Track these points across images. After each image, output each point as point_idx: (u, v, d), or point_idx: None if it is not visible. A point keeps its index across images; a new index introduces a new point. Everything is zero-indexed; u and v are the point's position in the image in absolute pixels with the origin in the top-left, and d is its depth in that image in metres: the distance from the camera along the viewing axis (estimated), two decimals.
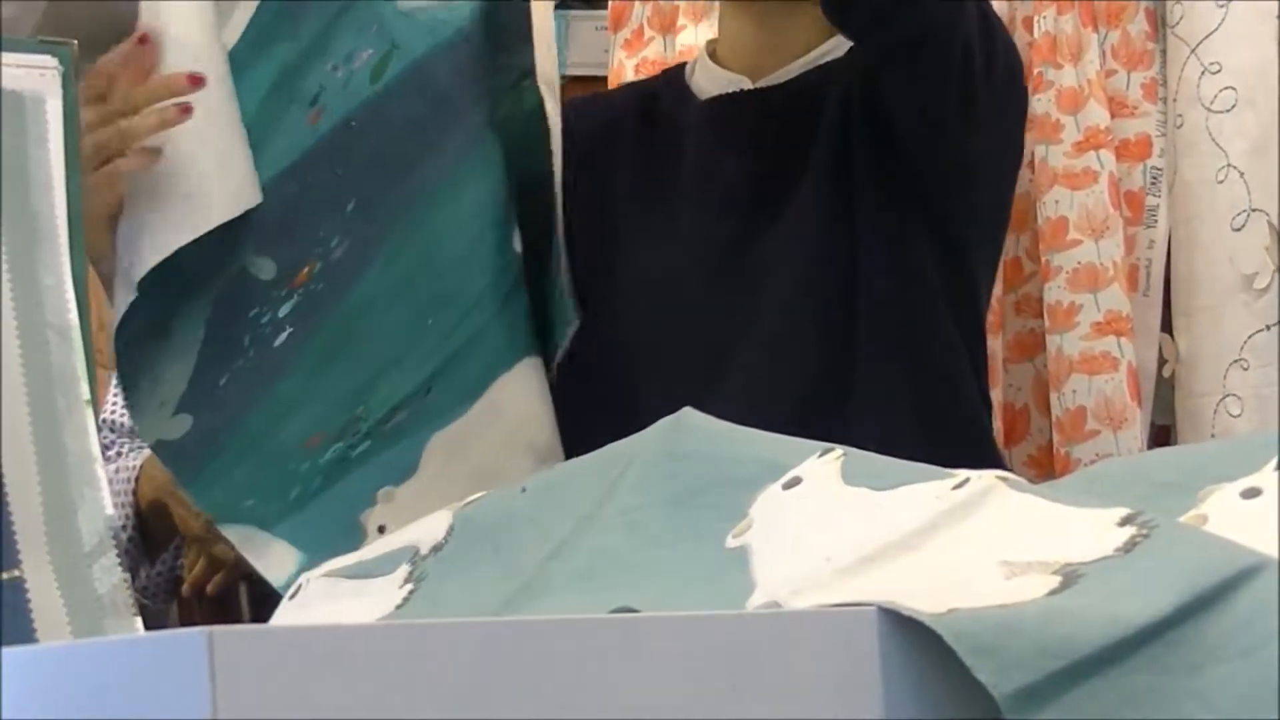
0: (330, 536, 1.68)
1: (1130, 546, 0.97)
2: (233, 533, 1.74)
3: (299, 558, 1.71)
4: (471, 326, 1.75)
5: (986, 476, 1.07)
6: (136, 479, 2.20)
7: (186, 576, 2.21)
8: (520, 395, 1.78)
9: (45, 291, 1.46)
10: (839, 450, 1.16)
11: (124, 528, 2.20)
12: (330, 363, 1.74)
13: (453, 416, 1.76)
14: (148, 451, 2.23)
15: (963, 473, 1.09)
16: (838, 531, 1.06)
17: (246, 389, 1.72)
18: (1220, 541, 0.98)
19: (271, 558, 1.72)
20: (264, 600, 2.09)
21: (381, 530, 1.70)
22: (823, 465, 1.15)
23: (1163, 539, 0.97)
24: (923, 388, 1.75)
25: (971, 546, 1.01)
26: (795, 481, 1.14)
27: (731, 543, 1.12)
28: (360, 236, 1.72)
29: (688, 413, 1.28)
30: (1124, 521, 0.99)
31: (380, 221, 1.73)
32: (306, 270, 1.72)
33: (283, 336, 1.72)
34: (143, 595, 2.25)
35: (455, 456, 1.76)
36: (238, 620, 2.20)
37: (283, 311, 1.72)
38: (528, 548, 1.22)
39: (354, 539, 1.67)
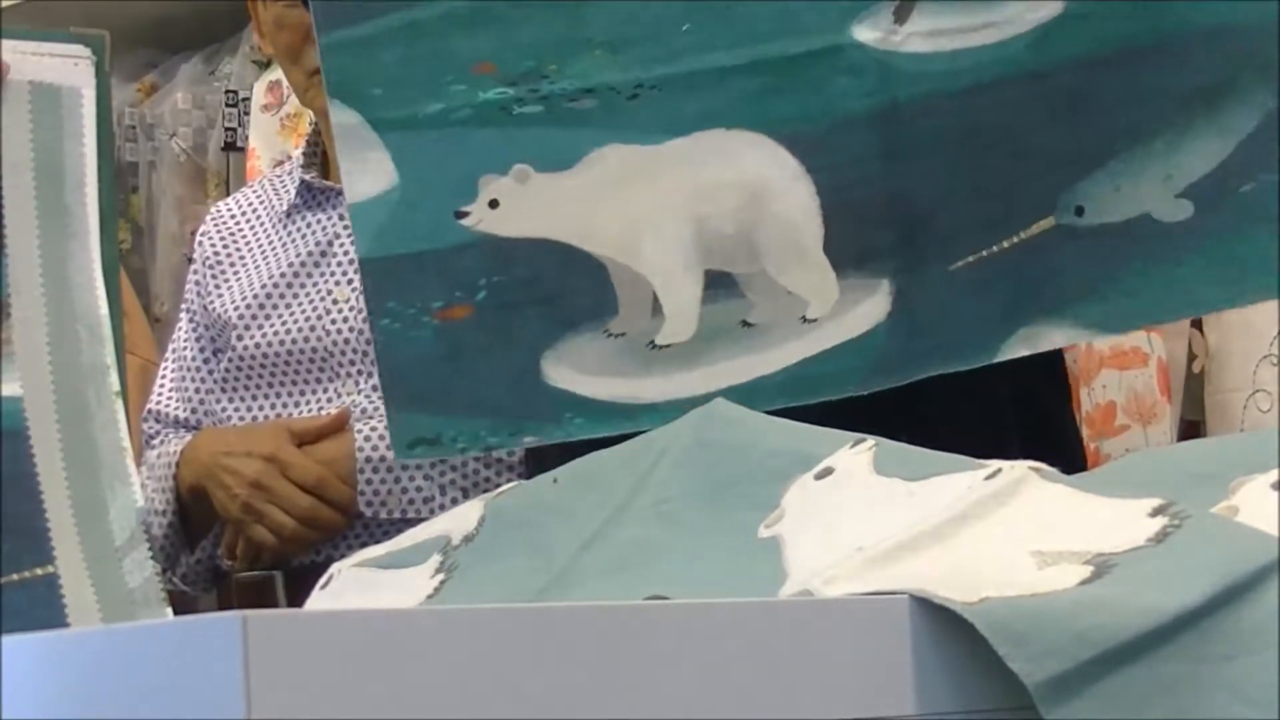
0: (437, 180, 1.55)
1: (1162, 537, 0.97)
2: (338, 114, 1.55)
3: (390, 179, 1.55)
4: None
5: (1019, 467, 1.07)
6: (177, 464, 2.21)
7: (225, 560, 2.21)
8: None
9: (75, 285, 1.46)
10: (870, 441, 1.16)
11: (164, 513, 2.21)
12: None
13: (647, 140, 1.56)
14: (189, 437, 2.24)
15: (995, 463, 1.09)
16: (870, 521, 1.07)
17: None
18: (1252, 532, 0.98)
19: (363, 164, 1.55)
20: (301, 593, 2.10)
21: (494, 205, 1.55)
22: (854, 456, 1.15)
23: (1194, 530, 0.97)
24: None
25: (1004, 536, 1.01)
26: (827, 472, 1.15)
27: (764, 533, 1.13)
28: None
29: (719, 403, 1.28)
30: (1155, 512, 0.99)
31: None
32: None
33: None
34: (183, 582, 2.25)
35: (619, 178, 1.56)
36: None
37: None
38: (560, 538, 1.22)
39: (459, 196, 1.55)
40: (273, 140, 3.26)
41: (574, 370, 1.55)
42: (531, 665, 0.82)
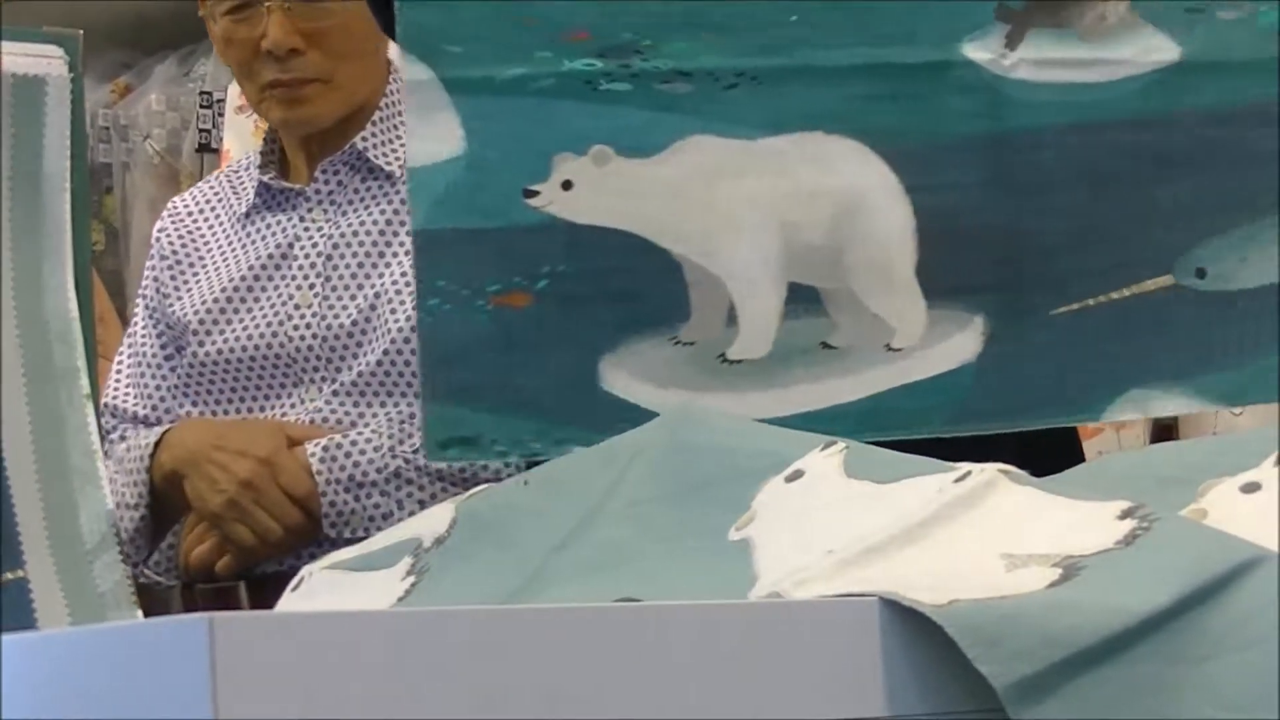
0: (508, 152, 1.46)
1: (1131, 539, 0.97)
2: (410, 69, 1.45)
3: (458, 145, 1.45)
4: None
5: (988, 470, 1.08)
6: (152, 454, 2.20)
7: (184, 555, 2.20)
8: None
9: (49, 287, 1.46)
10: (841, 443, 1.16)
11: (135, 506, 2.20)
12: None
13: (740, 134, 1.48)
14: (160, 429, 2.23)
15: (964, 466, 1.09)
16: (840, 524, 1.07)
17: None
18: (1220, 535, 0.98)
19: (429, 125, 1.45)
20: (263, 603, 2.09)
21: (567, 187, 1.45)
22: (825, 458, 1.15)
23: (1163, 532, 0.97)
24: None
25: (973, 539, 1.01)
26: (798, 474, 1.15)
27: (735, 535, 1.13)
28: None
29: (692, 405, 1.28)
30: (1124, 515, 1.00)
31: None
32: None
33: None
34: (155, 571, 2.24)
35: (707, 172, 1.47)
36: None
37: None
38: (532, 540, 1.22)
39: (531, 173, 1.45)
40: (247, 142, 3.25)
41: (635, 378, 1.47)
42: (501, 667, 0.82)
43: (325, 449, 2.11)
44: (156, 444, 2.19)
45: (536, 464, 1.37)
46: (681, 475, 1.19)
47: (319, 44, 2.21)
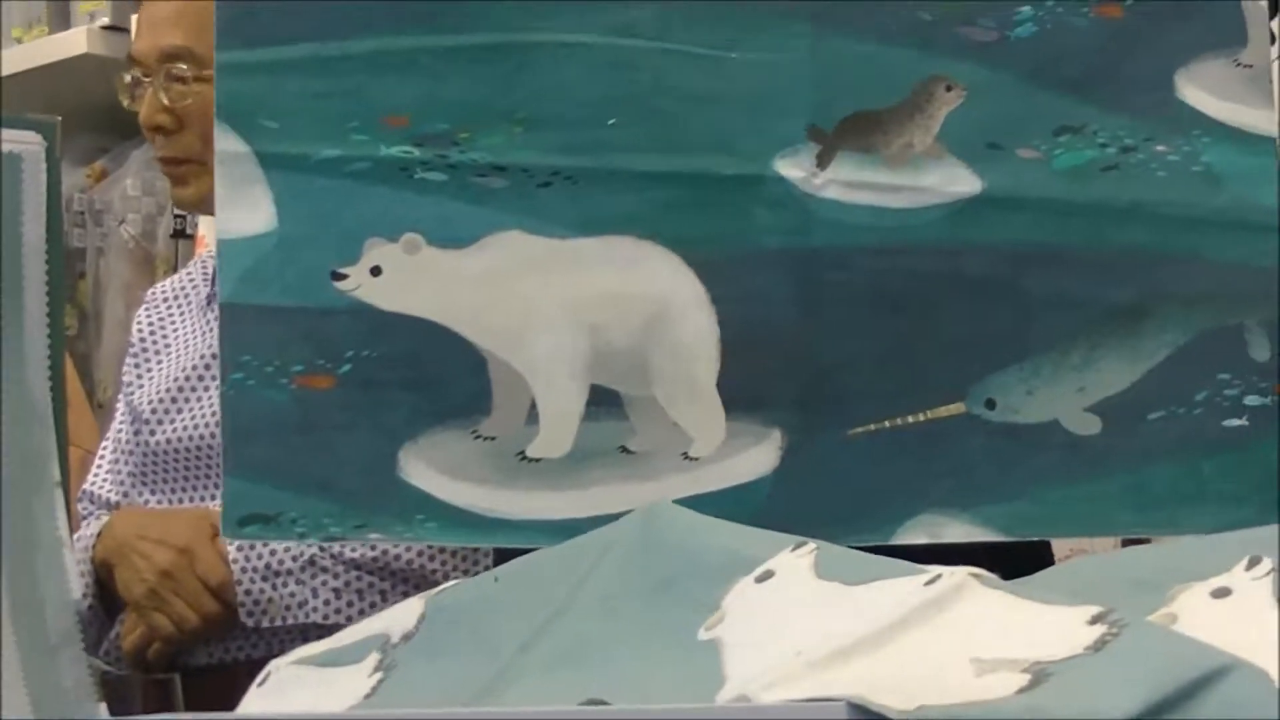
0: (319, 232, 1.45)
1: (1100, 645, 0.97)
2: (225, 140, 1.44)
3: (269, 221, 1.45)
4: None
5: (959, 573, 1.07)
6: (94, 545, 2.20)
7: (122, 643, 2.19)
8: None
9: (29, 362, 1.45)
10: (812, 544, 1.16)
11: (84, 596, 2.19)
12: (489, 59, 1.47)
13: (552, 232, 1.48)
14: (108, 517, 2.22)
15: (935, 568, 1.09)
16: (809, 625, 1.06)
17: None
18: (1189, 642, 0.98)
19: (242, 199, 1.44)
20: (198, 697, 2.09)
21: (376, 273, 1.45)
22: (795, 559, 1.15)
23: (1132, 638, 0.97)
24: None
25: (942, 643, 1.01)
26: (768, 575, 1.14)
27: (703, 635, 1.12)
28: None
29: (663, 503, 1.28)
30: (1094, 620, 0.99)
31: None
32: None
33: None
34: (105, 660, 2.23)
35: (516, 268, 1.47)
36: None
37: None
38: (501, 637, 1.22)
39: (340, 254, 1.45)
40: None
41: (433, 469, 1.47)
42: None
43: None
44: (98, 535, 2.20)
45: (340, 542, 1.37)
46: (651, 573, 1.19)
47: (192, 124, 2.20)
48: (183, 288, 2.37)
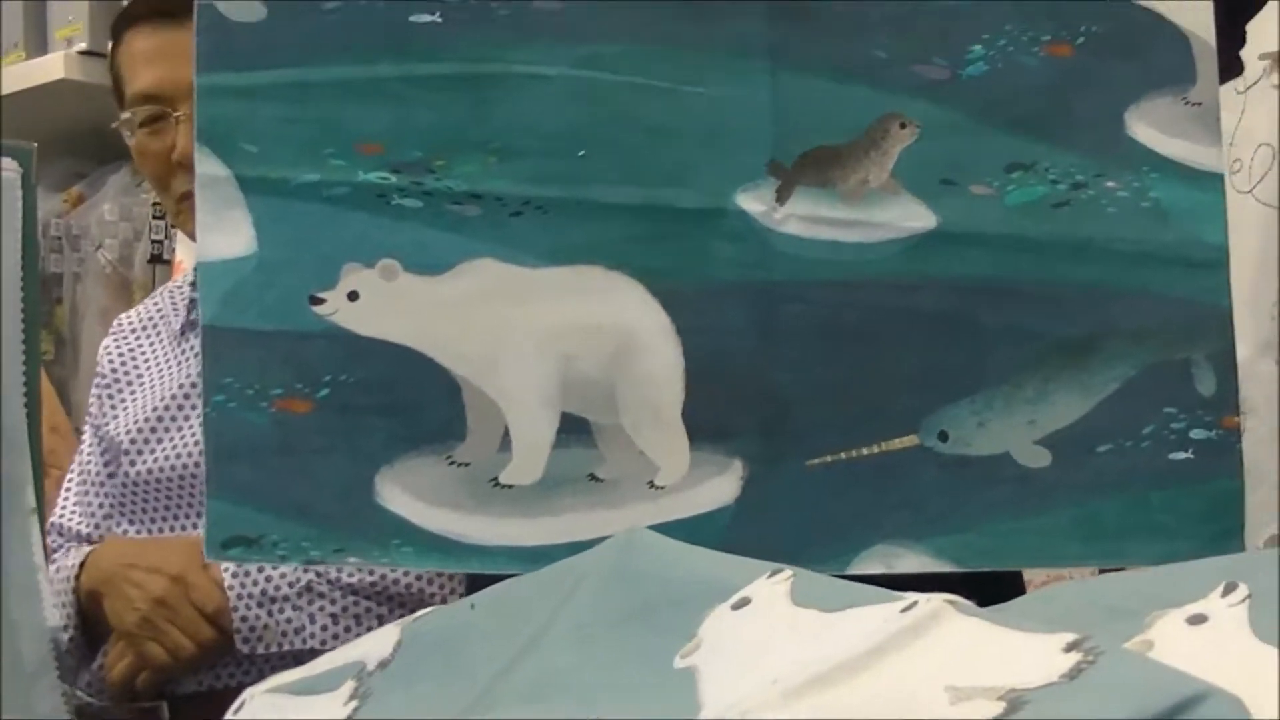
0: (297, 257, 1.46)
1: (1075, 673, 0.97)
2: (205, 164, 1.45)
3: (248, 245, 1.45)
4: None
5: (935, 600, 1.07)
6: (78, 575, 2.19)
7: (109, 673, 2.18)
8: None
9: (3, 388, 1.45)
10: (788, 571, 1.16)
11: (65, 628, 2.18)
12: (460, 89, 1.49)
13: (524, 261, 1.49)
14: (89, 549, 2.21)
15: (911, 596, 1.09)
16: (785, 653, 1.06)
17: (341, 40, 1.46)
18: (1165, 669, 0.98)
19: (222, 222, 1.45)
20: (184, 715, 2.08)
21: (353, 298, 1.46)
22: (772, 586, 1.15)
23: (1107, 665, 0.97)
24: None
25: (918, 671, 1.01)
26: (744, 602, 1.14)
27: (680, 663, 1.12)
28: None
29: (639, 530, 1.28)
30: (1069, 647, 0.99)
31: None
32: None
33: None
34: (87, 692, 2.22)
35: (489, 296, 1.49)
36: None
37: None
38: (477, 664, 1.21)
39: (318, 279, 1.46)
40: None
41: (408, 494, 1.48)
42: None
43: (238, 564, 2.10)
44: (81, 565, 2.19)
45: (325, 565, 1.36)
46: (627, 601, 1.19)
47: None
48: (150, 317, 2.36)
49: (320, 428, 1.47)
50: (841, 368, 1.53)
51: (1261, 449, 2.34)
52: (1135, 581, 1.22)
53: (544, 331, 1.49)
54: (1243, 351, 2.35)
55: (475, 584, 1.37)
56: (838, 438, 1.53)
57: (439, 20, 1.48)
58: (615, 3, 1.51)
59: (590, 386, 1.50)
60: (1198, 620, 1.07)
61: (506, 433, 1.49)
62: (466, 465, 1.49)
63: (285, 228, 1.46)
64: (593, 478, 1.50)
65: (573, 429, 1.50)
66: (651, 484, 1.51)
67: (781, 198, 1.51)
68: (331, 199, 1.46)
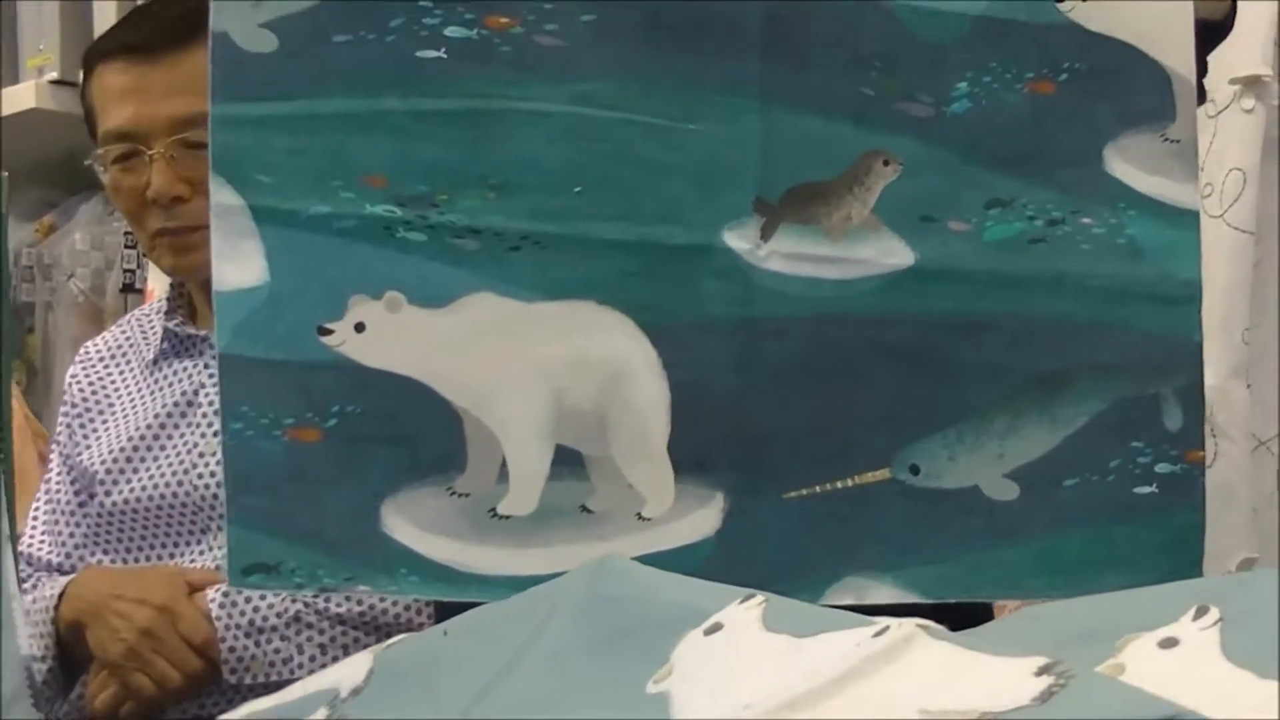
0: (307, 288, 1.47)
1: (1047, 696, 0.97)
2: (220, 193, 1.46)
3: (261, 275, 1.46)
4: None
5: (907, 624, 1.07)
6: (57, 605, 2.18)
7: (90, 704, 2.18)
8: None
9: None
10: (760, 596, 1.16)
11: (43, 658, 2.18)
12: (460, 124, 1.50)
13: (520, 295, 1.50)
14: (66, 579, 2.21)
15: (883, 620, 1.09)
16: (758, 678, 1.06)
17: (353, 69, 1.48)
18: (1136, 693, 0.98)
19: (235, 251, 1.46)
20: None
21: (360, 329, 1.47)
22: (744, 611, 1.15)
23: (1079, 689, 0.97)
24: None
25: (890, 695, 1.01)
26: (716, 627, 1.14)
27: (652, 689, 1.12)
28: None
29: (612, 556, 1.28)
30: (1041, 671, 1.00)
31: None
32: None
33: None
34: None
35: (488, 329, 1.49)
36: None
37: None
38: (451, 691, 1.21)
39: (327, 310, 1.47)
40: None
41: (412, 523, 1.49)
42: None
43: (225, 594, 2.10)
44: (61, 595, 2.18)
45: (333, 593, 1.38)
46: (600, 626, 1.19)
47: (205, 191, 2.20)
48: (119, 345, 2.36)
49: (329, 457, 1.48)
50: (818, 402, 1.54)
51: (1234, 472, 2.35)
52: (1107, 605, 1.23)
53: (539, 365, 1.51)
54: (1215, 376, 2.38)
55: (451, 612, 1.37)
56: (814, 471, 1.54)
57: (444, 56, 1.49)
58: (612, 39, 1.52)
59: (582, 419, 1.51)
60: (1169, 644, 1.07)
61: (504, 464, 1.50)
62: (467, 496, 1.50)
63: (296, 258, 1.47)
64: (584, 509, 1.51)
65: (566, 461, 1.52)
66: (639, 516, 1.52)
67: (765, 235, 1.53)
68: (340, 231, 1.48)
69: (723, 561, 1.50)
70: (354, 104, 1.48)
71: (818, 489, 1.54)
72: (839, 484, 1.54)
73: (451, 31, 1.49)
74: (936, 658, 1.04)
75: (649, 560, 1.39)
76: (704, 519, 1.52)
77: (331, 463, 1.48)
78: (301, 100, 1.48)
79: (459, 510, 1.49)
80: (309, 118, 1.48)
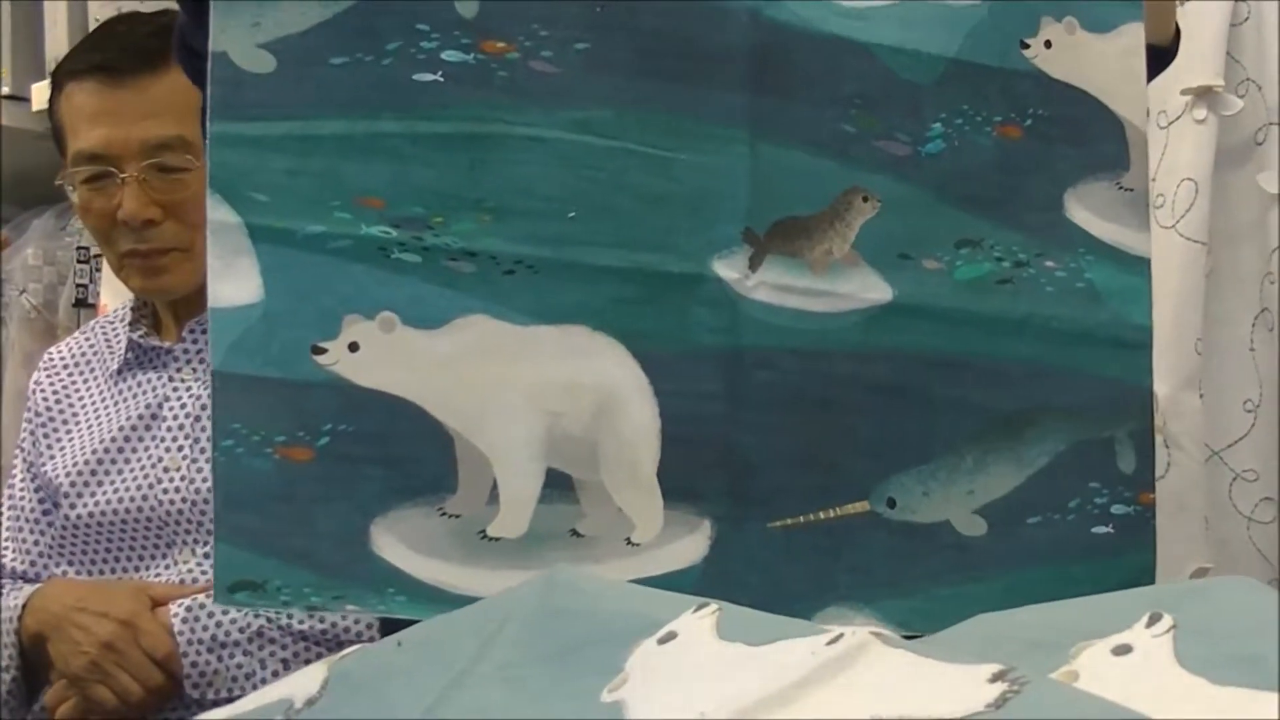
0: (302, 307, 1.46)
1: (1001, 703, 0.97)
2: (217, 210, 1.45)
3: (256, 293, 1.45)
4: None
5: (860, 633, 1.07)
6: (20, 616, 2.18)
7: (50, 715, 2.17)
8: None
9: None
10: (714, 605, 1.16)
11: (6, 669, 2.17)
12: (457, 148, 1.50)
13: (515, 319, 1.51)
14: (30, 589, 2.20)
15: (836, 629, 1.09)
16: (712, 686, 1.06)
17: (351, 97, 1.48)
18: (1091, 699, 0.98)
19: (231, 269, 1.45)
20: None
21: (353, 349, 1.47)
22: (698, 620, 1.15)
23: (1033, 695, 0.98)
24: None
25: (845, 702, 1.01)
26: (670, 636, 1.14)
27: (607, 697, 1.12)
28: None
29: (563, 568, 1.28)
30: (995, 678, 1.00)
31: None
32: None
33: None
34: None
35: (481, 352, 1.50)
36: None
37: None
38: (404, 702, 1.21)
39: (320, 329, 1.46)
40: (125, 297, 3.24)
41: (401, 544, 1.49)
42: None
43: (188, 609, 2.09)
44: (24, 606, 2.17)
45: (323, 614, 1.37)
46: (553, 637, 1.19)
47: (176, 214, 2.21)
48: (84, 353, 2.35)
49: (320, 476, 1.48)
50: (804, 433, 1.57)
51: (1187, 482, 2.36)
52: (1060, 613, 1.23)
53: (531, 388, 1.51)
54: (1167, 386, 2.39)
55: (397, 627, 1.37)
56: (798, 501, 1.57)
57: (440, 80, 1.50)
58: (605, 67, 1.54)
59: (573, 443, 1.51)
60: (1123, 650, 1.07)
61: (495, 487, 1.51)
62: (457, 517, 1.50)
63: (291, 277, 1.47)
64: (574, 533, 1.52)
65: (557, 485, 1.52)
66: (628, 540, 1.53)
67: (753, 265, 1.55)
68: (336, 251, 1.48)
69: (710, 588, 1.50)
70: (351, 125, 1.49)
71: (801, 519, 1.56)
72: (822, 515, 1.57)
73: (448, 56, 1.50)
74: (891, 665, 1.04)
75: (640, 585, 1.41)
76: (692, 545, 1.54)
77: (322, 482, 1.48)
78: (299, 121, 1.48)
79: (449, 531, 1.49)
80: (306, 138, 1.48)
